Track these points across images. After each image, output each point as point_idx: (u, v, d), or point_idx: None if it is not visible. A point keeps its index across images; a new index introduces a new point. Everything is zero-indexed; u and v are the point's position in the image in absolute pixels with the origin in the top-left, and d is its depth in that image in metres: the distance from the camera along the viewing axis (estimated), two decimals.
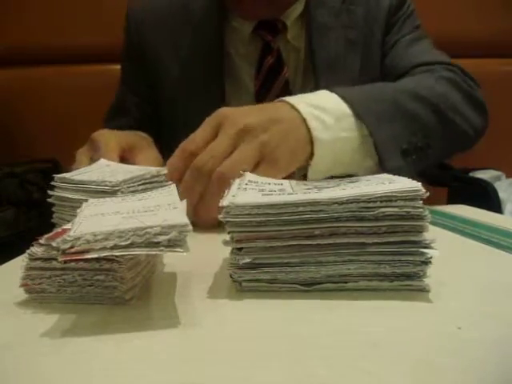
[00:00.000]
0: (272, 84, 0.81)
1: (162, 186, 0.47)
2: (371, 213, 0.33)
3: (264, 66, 0.82)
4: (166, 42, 0.85)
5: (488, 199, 0.92)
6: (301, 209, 0.34)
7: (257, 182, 0.42)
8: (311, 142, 0.52)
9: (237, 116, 0.50)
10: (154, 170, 0.50)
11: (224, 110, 0.51)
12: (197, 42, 0.84)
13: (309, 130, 0.52)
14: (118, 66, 0.96)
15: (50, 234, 0.34)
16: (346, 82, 0.72)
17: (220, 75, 0.83)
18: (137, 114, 0.90)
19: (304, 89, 0.82)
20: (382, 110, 0.59)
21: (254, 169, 0.48)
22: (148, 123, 0.87)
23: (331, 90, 0.58)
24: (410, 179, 0.36)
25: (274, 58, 0.81)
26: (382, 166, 0.57)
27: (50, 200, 0.48)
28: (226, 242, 0.35)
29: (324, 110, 0.54)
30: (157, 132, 0.82)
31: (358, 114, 0.56)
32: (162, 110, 0.88)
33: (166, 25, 0.86)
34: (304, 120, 0.52)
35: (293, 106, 0.53)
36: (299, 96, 0.57)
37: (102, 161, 0.56)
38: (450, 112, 0.67)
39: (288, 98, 0.55)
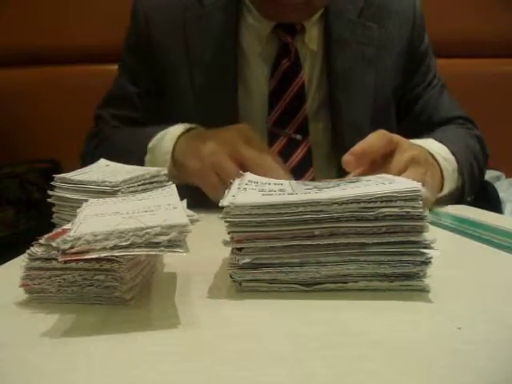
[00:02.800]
0: (288, 86, 0.80)
1: (162, 186, 0.47)
2: (371, 213, 0.33)
3: (281, 66, 0.81)
4: (175, 37, 0.83)
5: (488, 199, 0.92)
6: (301, 209, 0.34)
7: (257, 183, 0.42)
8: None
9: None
10: (153, 170, 0.50)
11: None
12: (210, 37, 0.82)
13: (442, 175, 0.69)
14: None
15: (50, 234, 0.34)
16: (359, 98, 0.82)
17: (233, 73, 0.82)
18: (139, 105, 0.87)
19: (318, 93, 0.83)
20: (467, 169, 0.76)
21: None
22: (151, 115, 0.85)
23: (440, 141, 0.73)
24: None
25: (291, 60, 0.81)
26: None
27: (49, 200, 0.48)
28: (226, 242, 0.35)
29: (446, 160, 0.71)
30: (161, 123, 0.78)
31: (461, 171, 0.74)
32: (170, 103, 0.85)
33: (176, 18, 0.83)
34: (441, 170, 0.69)
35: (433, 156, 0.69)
36: (429, 144, 0.71)
37: (102, 161, 0.55)
38: (482, 169, 0.86)
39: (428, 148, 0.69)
